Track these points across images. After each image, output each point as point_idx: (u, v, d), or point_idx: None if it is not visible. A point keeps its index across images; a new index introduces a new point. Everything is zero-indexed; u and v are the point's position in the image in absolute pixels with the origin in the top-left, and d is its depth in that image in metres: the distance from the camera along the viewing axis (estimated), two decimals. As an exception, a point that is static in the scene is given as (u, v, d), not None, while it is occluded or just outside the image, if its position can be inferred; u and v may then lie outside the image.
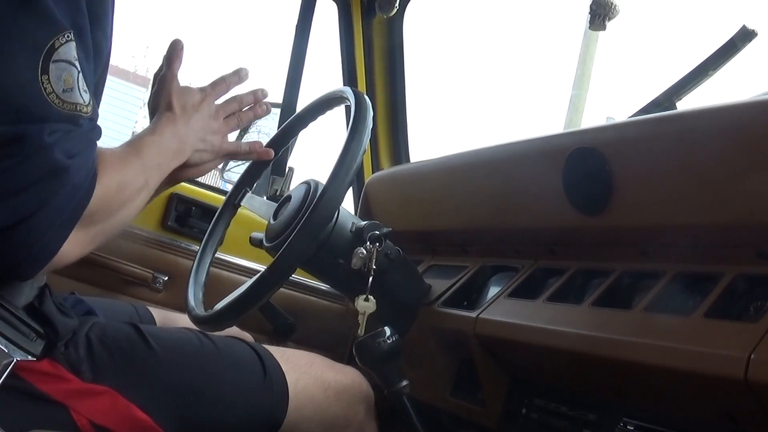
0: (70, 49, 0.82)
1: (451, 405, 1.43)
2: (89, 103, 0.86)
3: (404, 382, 1.25)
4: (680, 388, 0.95)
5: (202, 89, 1.16)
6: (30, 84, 0.80)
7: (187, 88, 1.14)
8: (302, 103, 1.71)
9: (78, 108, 0.84)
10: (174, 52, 1.16)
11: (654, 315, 1.01)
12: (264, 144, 1.36)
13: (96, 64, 0.89)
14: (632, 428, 1.07)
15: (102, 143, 0.93)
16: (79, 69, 0.84)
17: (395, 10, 2.01)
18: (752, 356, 0.82)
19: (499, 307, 1.30)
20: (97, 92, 0.94)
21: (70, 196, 0.84)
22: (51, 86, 0.81)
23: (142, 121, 16.96)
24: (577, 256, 1.27)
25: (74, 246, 0.87)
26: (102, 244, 0.96)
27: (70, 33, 0.82)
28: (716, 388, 0.87)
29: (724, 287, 0.96)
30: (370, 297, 1.26)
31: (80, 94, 0.84)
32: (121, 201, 0.95)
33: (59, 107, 0.82)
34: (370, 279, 1.27)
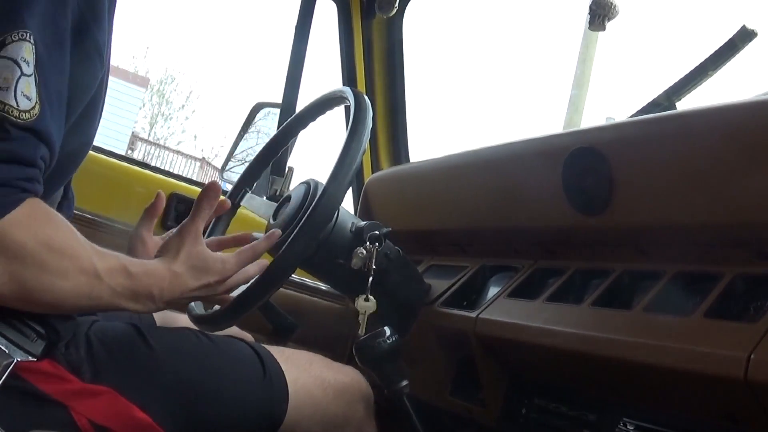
0: (19, 49, 0.78)
1: (451, 405, 1.43)
2: (27, 110, 0.79)
3: (404, 382, 1.25)
4: (680, 388, 0.95)
5: (224, 262, 1.02)
6: None
7: (204, 252, 1.01)
8: (302, 103, 1.71)
9: (7, 109, 0.78)
10: (205, 197, 1.03)
11: (654, 315, 1.01)
12: (264, 144, 1.36)
13: (97, 64, 0.88)
14: (632, 428, 1.07)
15: (101, 142, 0.90)
16: (25, 72, 0.79)
17: (395, 10, 2.01)
18: (752, 356, 0.82)
19: (498, 307, 1.30)
20: (98, 92, 0.93)
21: None
22: None
23: (141, 121, 16.97)
24: (577, 256, 1.27)
25: None
26: (20, 302, 0.86)
27: (27, 33, 0.78)
28: (716, 388, 0.87)
29: (724, 287, 0.96)
30: (371, 297, 1.26)
31: (14, 97, 0.78)
32: (45, 260, 0.84)
33: None
34: (370, 279, 1.28)
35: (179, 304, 1.04)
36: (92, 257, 0.90)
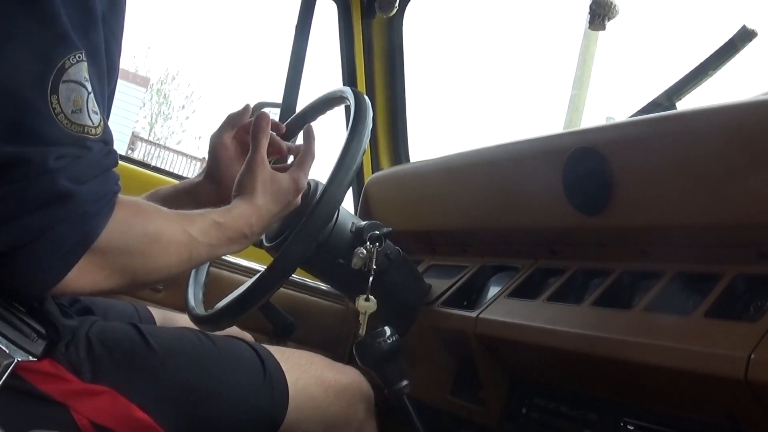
0: (80, 70, 0.81)
1: (451, 405, 1.43)
2: (99, 124, 0.84)
3: (404, 382, 1.25)
4: (680, 388, 0.95)
5: (295, 179, 1.10)
6: (39, 103, 0.78)
7: (276, 176, 1.08)
8: (302, 103, 1.71)
9: (86, 130, 0.82)
10: (260, 129, 1.09)
11: (654, 315, 1.01)
12: None
13: (109, 79, 0.89)
14: (632, 428, 1.07)
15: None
16: (90, 90, 0.82)
17: (395, 10, 2.01)
18: (752, 356, 0.82)
19: (499, 306, 1.30)
20: (108, 104, 0.93)
21: (77, 224, 0.82)
22: (60, 106, 0.79)
23: (141, 120, 16.97)
24: (577, 256, 1.27)
25: (85, 276, 0.85)
26: (134, 288, 0.94)
27: (81, 53, 0.81)
28: (716, 388, 0.87)
29: (724, 287, 0.96)
30: (371, 297, 1.26)
31: (89, 116, 0.82)
32: (143, 249, 0.91)
33: (67, 128, 0.80)
34: (371, 279, 1.28)
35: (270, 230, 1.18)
36: (184, 227, 0.97)
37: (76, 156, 0.82)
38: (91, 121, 0.83)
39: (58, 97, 0.79)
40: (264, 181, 1.07)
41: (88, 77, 0.82)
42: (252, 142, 1.09)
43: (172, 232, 0.95)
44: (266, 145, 1.09)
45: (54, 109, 0.79)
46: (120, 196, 0.88)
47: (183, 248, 0.96)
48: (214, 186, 1.23)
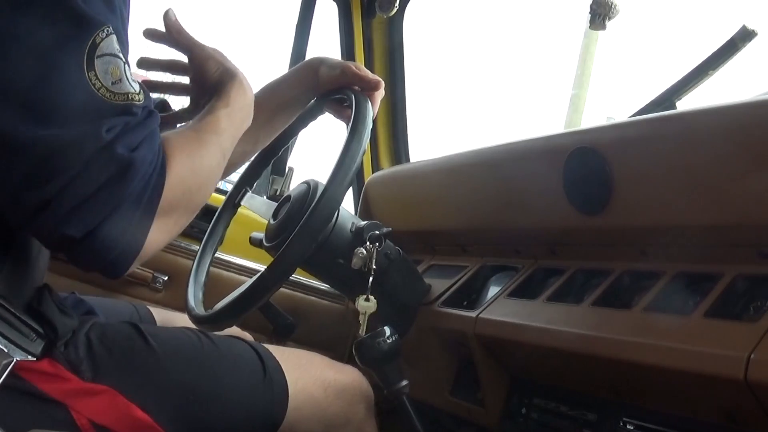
0: (111, 42, 0.81)
1: (451, 405, 1.43)
2: (140, 91, 0.85)
3: (404, 382, 1.25)
4: (680, 388, 0.95)
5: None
6: (78, 83, 0.79)
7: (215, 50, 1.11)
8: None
9: (130, 97, 0.83)
10: (172, 24, 1.11)
11: (654, 315, 1.01)
12: (264, 147, 1.36)
13: (125, 42, 0.90)
14: (632, 428, 1.07)
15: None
16: (125, 60, 0.83)
17: (395, 9, 2.01)
18: (752, 356, 0.82)
19: (499, 306, 1.30)
20: None
21: (142, 190, 0.83)
22: (99, 81, 0.80)
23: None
24: (577, 256, 1.27)
25: (160, 234, 0.86)
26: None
27: (109, 27, 0.81)
28: (716, 388, 0.87)
29: (724, 287, 0.96)
30: (371, 297, 1.26)
31: (130, 84, 0.83)
32: (198, 183, 0.93)
33: (111, 100, 0.81)
34: (371, 279, 1.27)
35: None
36: (210, 136, 0.98)
37: (125, 123, 0.82)
38: (133, 88, 0.84)
39: (96, 72, 0.80)
40: (216, 51, 1.10)
41: (120, 49, 0.83)
42: (183, 38, 1.11)
43: (209, 149, 0.96)
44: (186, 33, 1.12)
45: (94, 84, 0.80)
46: (162, 136, 0.89)
47: (219, 154, 0.98)
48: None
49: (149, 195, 0.84)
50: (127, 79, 0.83)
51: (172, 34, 1.12)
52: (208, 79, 1.09)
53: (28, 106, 0.77)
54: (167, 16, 1.11)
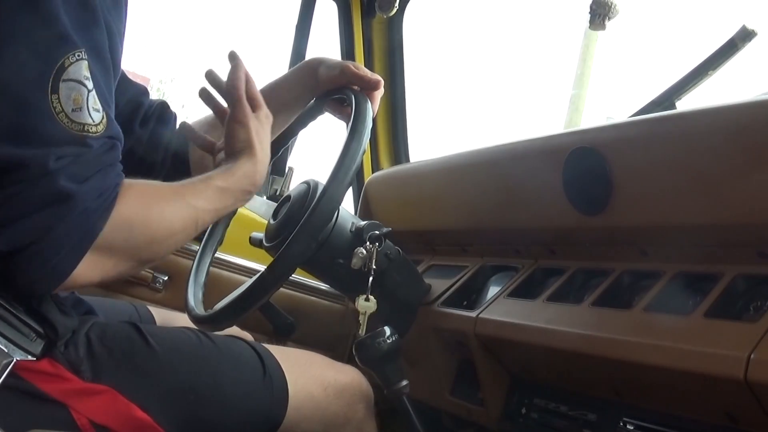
0: (80, 68, 0.82)
1: (451, 405, 1.43)
2: (100, 122, 0.85)
3: (404, 382, 1.25)
4: (680, 388, 0.95)
5: (264, 110, 1.10)
6: (40, 103, 0.79)
7: (261, 119, 1.08)
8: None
9: (86, 128, 0.83)
10: (237, 79, 1.06)
11: (654, 315, 1.01)
12: None
13: (114, 75, 0.89)
14: (632, 428, 1.07)
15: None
16: (90, 88, 0.83)
17: (395, 9, 2.01)
18: (752, 356, 0.82)
19: (499, 306, 1.30)
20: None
21: (80, 222, 0.82)
22: (60, 105, 0.80)
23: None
24: (577, 256, 1.27)
25: (92, 270, 0.86)
26: (143, 268, 0.95)
27: (81, 52, 0.82)
28: (716, 388, 0.87)
29: (724, 287, 0.96)
30: (371, 297, 1.26)
31: (89, 114, 0.83)
32: (148, 237, 0.92)
33: (68, 127, 0.81)
34: (371, 279, 1.27)
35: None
36: (189, 201, 0.97)
37: (76, 155, 0.82)
38: (92, 119, 0.83)
39: (58, 96, 0.80)
40: (257, 131, 1.06)
41: (89, 75, 0.83)
42: (231, 95, 1.06)
43: (177, 210, 0.95)
44: (244, 95, 1.07)
45: (55, 108, 0.80)
46: (125, 181, 0.89)
47: (189, 221, 0.96)
48: None
49: (87, 228, 0.84)
50: (88, 108, 0.83)
51: (228, 82, 1.07)
52: (231, 144, 1.06)
53: None
54: (234, 65, 1.07)
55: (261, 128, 1.07)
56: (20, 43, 0.78)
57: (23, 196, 0.79)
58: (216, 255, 1.39)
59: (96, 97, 0.84)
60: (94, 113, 0.84)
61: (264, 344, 1.19)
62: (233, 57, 1.08)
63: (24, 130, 0.79)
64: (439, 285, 1.50)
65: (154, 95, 1.32)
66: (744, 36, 1.32)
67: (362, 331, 1.24)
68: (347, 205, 1.87)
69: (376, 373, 1.25)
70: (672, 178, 1.07)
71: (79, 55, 0.81)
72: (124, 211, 0.87)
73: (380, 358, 1.23)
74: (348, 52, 2.10)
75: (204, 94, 1.22)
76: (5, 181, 0.79)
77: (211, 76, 1.19)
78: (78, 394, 0.97)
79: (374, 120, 1.23)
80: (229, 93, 1.07)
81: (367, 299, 1.26)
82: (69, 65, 0.80)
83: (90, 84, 0.83)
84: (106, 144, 0.86)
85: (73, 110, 0.81)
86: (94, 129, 0.84)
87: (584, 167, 1.18)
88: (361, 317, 1.25)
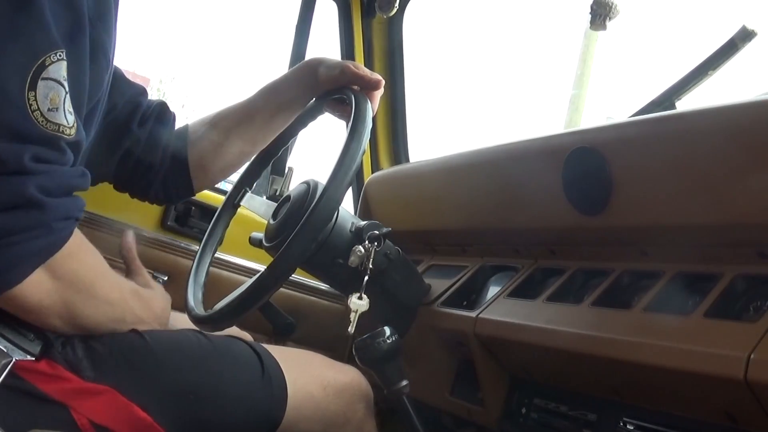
0: (60, 68, 0.80)
1: (451, 405, 1.43)
2: (73, 125, 0.84)
3: (404, 382, 1.25)
4: (680, 388, 0.95)
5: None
6: (16, 98, 0.78)
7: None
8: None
9: (61, 129, 0.82)
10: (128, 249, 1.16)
11: (654, 315, 1.01)
12: (263, 148, 1.36)
13: (98, 85, 0.89)
14: (632, 428, 1.07)
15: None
16: (67, 90, 0.82)
17: (395, 10, 2.01)
18: (752, 356, 0.82)
19: (498, 306, 1.30)
20: (96, 110, 0.94)
21: (42, 234, 0.82)
22: (37, 103, 0.79)
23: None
24: (577, 256, 1.27)
25: (34, 291, 0.86)
26: (66, 326, 0.95)
27: (62, 52, 0.80)
28: (716, 388, 0.87)
29: (724, 287, 0.96)
30: (364, 296, 1.26)
31: (65, 115, 0.82)
32: (93, 280, 0.95)
33: (42, 126, 0.80)
34: (366, 278, 1.27)
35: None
36: (118, 280, 1.02)
37: (50, 162, 0.81)
38: (67, 120, 0.82)
39: (35, 93, 0.79)
40: (145, 304, 1.10)
41: (66, 77, 0.82)
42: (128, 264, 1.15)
43: (116, 281, 1.00)
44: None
45: (30, 105, 0.79)
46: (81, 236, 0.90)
47: (121, 303, 1.02)
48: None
49: (46, 243, 0.83)
50: (64, 110, 0.82)
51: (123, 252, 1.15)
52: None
53: None
54: (125, 240, 1.16)
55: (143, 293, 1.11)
56: (1, 39, 0.78)
57: None
58: (216, 255, 1.39)
59: (70, 99, 0.83)
60: (69, 116, 0.83)
61: (263, 344, 1.19)
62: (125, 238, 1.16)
63: (1, 124, 0.78)
64: (438, 285, 1.50)
65: (154, 95, 1.32)
66: (744, 36, 1.32)
67: (352, 329, 1.23)
68: (347, 205, 1.87)
69: (376, 373, 1.25)
70: (672, 178, 1.07)
71: (60, 55, 0.80)
72: (78, 247, 0.88)
73: (380, 358, 1.23)
74: (348, 52, 2.10)
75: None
76: None
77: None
78: (78, 394, 0.97)
79: (374, 120, 1.24)
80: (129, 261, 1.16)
81: (360, 298, 1.26)
82: (50, 64, 0.79)
83: (67, 86, 0.82)
84: (77, 170, 0.86)
85: (49, 110, 0.80)
86: (68, 132, 0.82)
87: (584, 167, 1.18)
88: (352, 315, 1.24)
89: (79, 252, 0.89)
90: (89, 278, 0.93)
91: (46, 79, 0.80)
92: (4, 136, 0.78)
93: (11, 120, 0.78)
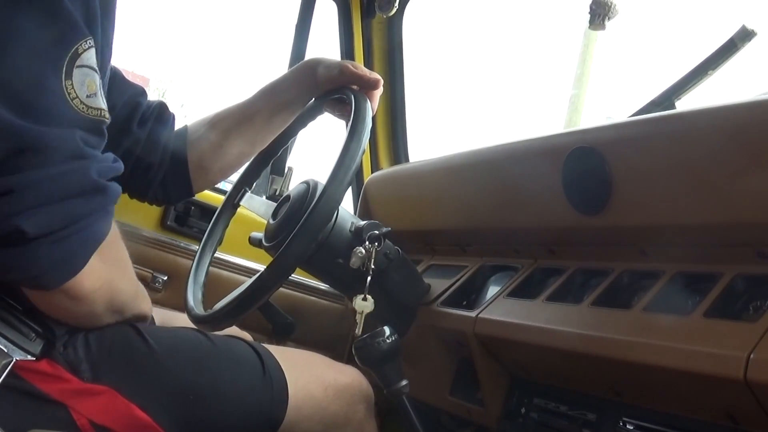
0: (91, 56, 0.82)
1: (451, 405, 1.43)
2: (108, 108, 0.85)
3: (404, 382, 1.25)
4: (680, 387, 0.95)
5: None
6: (55, 87, 0.79)
7: None
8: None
9: (102, 114, 0.83)
10: None
11: (653, 315, 1.01)
12: (262, 148, 1.37)
13: (106, 56, 0.90)
14: (632, 428, 1.07)
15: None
16: (101, 76, 0.83)
17: (395, 9, 2.01)
18: (752, 356, 0.82)
19: (498, 306, 1.30)
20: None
21: (102, 218, 0.84)
22: (75, 91, 0.80)
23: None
24: (577, 256, 1.27)
25: (92, 277, 0.87)
26: (105, 314, 0.98)
27: (91, 39, 0.82)
28: (716, 388, 0.87)
29: (723, 287, 0.96)
30: (368, 296, 1.26)
31: (102, 100, 0.83)
32: (123, 258, 1.00)
33: (84, 112, 0.81)
34: (369, 278, 1.27)
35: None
36: (131, 279, 1.08)
37: (96, 146, 0.83)
38: (104, 105, 0.84)
39: (72, 82, 0.80)
40: None
41: (97, 64, 0.83)
42: None
43: (126, 279, 1.03)
44: None
45: (69, 93, 0.80)
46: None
47: (132, 274, 1.05)
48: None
49: (103, 226, 0.85)
50: (101, 95, 0.83)
51: None
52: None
53: (8, 95, 0.77)
54: None
55: None
56: (35, 31, 0.78)
57: (59, 181, 0.79)
58: (215, 255, 1.39)
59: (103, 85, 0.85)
60: (104, 100, 0.84)
61: (264, 344, 1.19)
62: None
63: (43, 112, 0.78)
64: (438, 285, 1.50)
65: (153, 95, 1.32)
66: (744, 36, 1.32)
67: (359, 331, 1.23)
68: (347, 205, 1.87)
69: (376, 373, 1.25)
70: (671, 178, 1.07)
71: (90, 43, 0.81)
72: (114, 232, 0.90)
73: (380, 358, 1.23)
74: (348, 52, 2.10)
75: None
76: (39, 162, 0.78)
77: None
78: (78, 394, 0.97)
79: (374, 120, 1.24)
80: None
81: (364, 299, 1.26)
82: (83, 51, 0.81)
83: (99, 72, 0.83)
84: (112, 155, 0.88)
85: (87, 96, 0.81)
86: (107, 115, 0.84)
87: (584, 167, 1.18)
88: (358, 316, 1.24)
89: (113, 232, 0.91)
90: (123, 257, 0.97)
91: (81, 66, 0.81)
92: (54, 124, 0.79)
93: (56, 108, 0.79)
